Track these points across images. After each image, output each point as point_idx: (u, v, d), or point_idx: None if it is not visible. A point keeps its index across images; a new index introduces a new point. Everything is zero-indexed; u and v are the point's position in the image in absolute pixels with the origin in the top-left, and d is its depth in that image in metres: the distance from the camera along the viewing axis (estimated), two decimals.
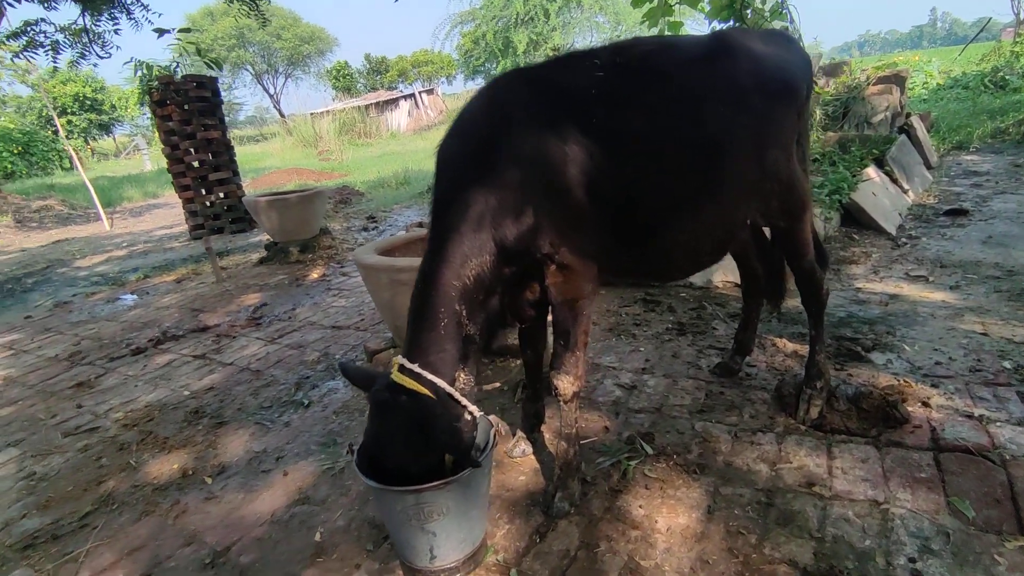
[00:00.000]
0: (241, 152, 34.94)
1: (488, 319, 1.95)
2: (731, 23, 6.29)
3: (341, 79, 53.08)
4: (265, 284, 6.07)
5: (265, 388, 3.49)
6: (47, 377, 4.14)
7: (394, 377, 1.77)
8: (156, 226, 12.39)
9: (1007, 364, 2.71)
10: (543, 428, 2.61)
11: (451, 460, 1.82)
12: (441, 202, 1.80)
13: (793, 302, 3.69)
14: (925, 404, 2.48)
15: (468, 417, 1.87)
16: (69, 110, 42.32)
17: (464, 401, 1.84)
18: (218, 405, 3.33)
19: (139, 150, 38.45)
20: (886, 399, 2.38)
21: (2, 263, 9.91)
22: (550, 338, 2.20)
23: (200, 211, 9.36)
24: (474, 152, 1.78)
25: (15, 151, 32.74)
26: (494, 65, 30.91)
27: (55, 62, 5.73)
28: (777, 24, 6.13)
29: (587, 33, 29.93)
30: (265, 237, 7.67)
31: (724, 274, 4.11)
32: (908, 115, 7.36)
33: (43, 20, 6.09)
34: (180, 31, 8.66)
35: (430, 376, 1.75)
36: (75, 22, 5.85)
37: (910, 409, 2.44)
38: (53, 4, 5.60)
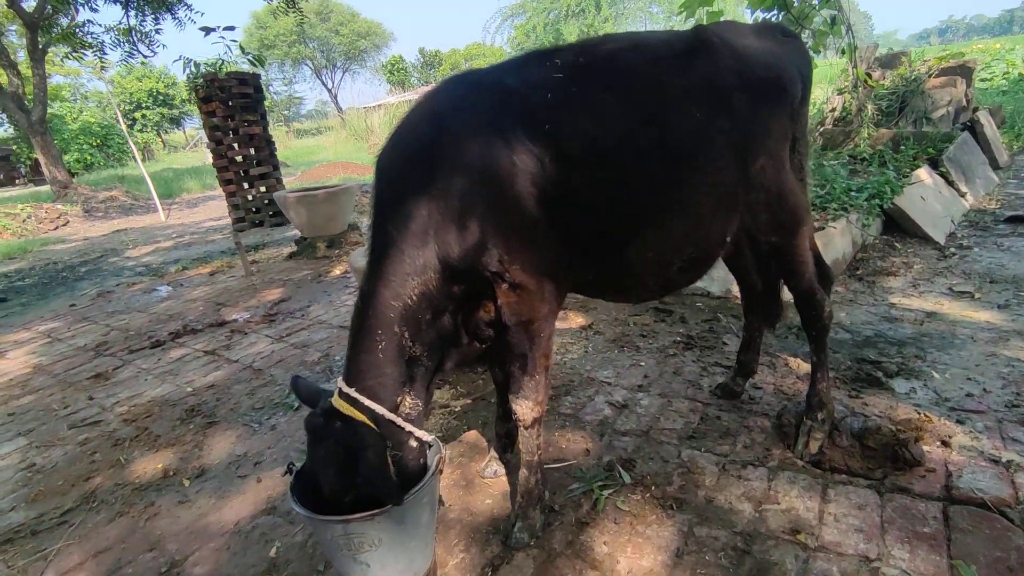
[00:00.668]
0: (298, 145, 36.18)
1: (440, 339, 1.83)
2: (775, 12, 5.92)
3: (395, 73, 53.94)
4: (289, 279, 6.16)
5: (262, 388, 3.50)
6: (71, 367, 4.32)
7: (333, 401, 1.69)
8: (206, 218, 12.91)
9: None
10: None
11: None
12: (379, 216, 1.69)
13: None
14: (944, 443, 2.20)
15: (414, 444, 1.77)
16: (143, 105, 44.89)
17: (408, 427, 1.74)
18: (214, 404, 3.37)
19: (202, 143, 40.31)
20: (897, 436, 2.12)
21: (64, 251, 10.56)
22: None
23: (242, 204, 9.64)
24: (414, 161, 1.66)
25: (94, 144, 35.00)
26: None
27: (102, 60, 6.00)
28: (826, 13, 5.72)
29: (641, 24, 29.17)
30: (297, 232, 7.82)
31: None
32: (975, 109, 6.72)
33: (89, 22, 6.36)
34: (224, 29, 8.95)
35: (367, 401, 1.65)
36: (120, 22, 6.08)
37: (926, 449, 2.17)
38: (93, 5, 5.83)
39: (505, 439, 2.40)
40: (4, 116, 24.36)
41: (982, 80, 13.48)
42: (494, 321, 1.88)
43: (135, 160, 16.36)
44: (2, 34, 17.62)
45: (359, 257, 3.30)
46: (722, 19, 6.33)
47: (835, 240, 3.84)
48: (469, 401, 3.00)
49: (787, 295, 2.30)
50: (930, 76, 6.56)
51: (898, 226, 4.46)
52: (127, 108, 43.00)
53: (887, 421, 2.33)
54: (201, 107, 9.29)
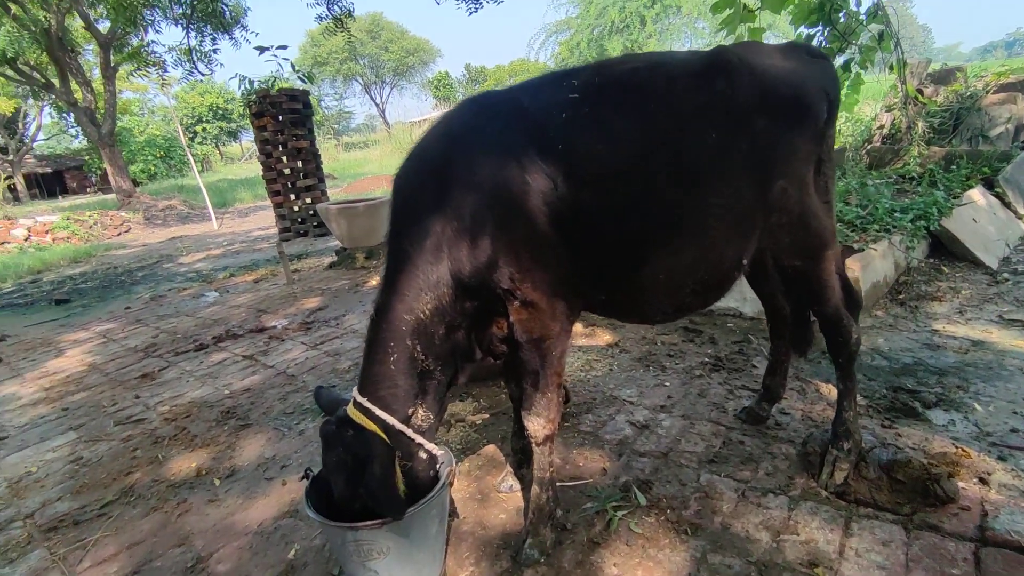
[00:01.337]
0: (346, 158, 37.29)
1: (453, 353, 1.87)
2: (820, 27, 5.81)
3: (441, 89, 55.07)
4: (327, 289, 6.35)
5: (294, 393, 3.62)
6: (122, 367, 4.57)
7: (348, 410, 1.75)
8: (255, 227, 13.46)
9: None
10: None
11: (403, 492, 1.76)
12: (395, 232, 1.75)
13: None
14: (983, 480, 2.09)
15: (423, 455, 1.80)
16: (204, 118, 47.23)
17: (419, 439, 1.78)
18: (248, 407, 3.50)
19: (255, 155, 42.04)
20: (928, 471, 2.03)
21: (124, 256, 11.19)
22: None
23: (288, 215, 10.00)
24: (429, 179, 1.72)
25: (158, 155, 37.04)
26: None
27: (163, 78, 6.45)
28: (875, 28, 5.56)
29: (686, 39, 28.94)
30: (338, 242, 8.06)
31: None
32: None
33: (154, 42, 6.82)
34: (278, 48, 9.37)
35: (379, 412, 1.70)
36: (180, 43, 6.50)
37: (962, 485, 2.06)
38: (157, 27, 6.24)
39: (520, 455, 2.41)
40: (78, 129, 26.08)
41: None
42: (507, 338, 1.90)
43: (193, 171, 17.20)
44: (79, 54, 18.94)
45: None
46: (765, 35, 6.25)
47: (875, 262, 3.70)
48: (490, 415, 3.03)
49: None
50: (987, 92, 6.27)
51: (946, 249, 4.26)
52: (189, 122, 45.33)
53: (920, 454, 2.24)
54: (253, 122, 9.72)
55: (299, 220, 10.09)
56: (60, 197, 34.40)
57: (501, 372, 2.92)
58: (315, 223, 10.11)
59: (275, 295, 6.38)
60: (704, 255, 1.80)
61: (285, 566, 2.12)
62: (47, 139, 41.09)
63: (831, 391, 2.85)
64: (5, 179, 30.21)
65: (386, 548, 1.68)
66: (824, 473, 2.17)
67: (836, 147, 7.13)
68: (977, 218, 4.33)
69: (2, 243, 13.39)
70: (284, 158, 9.80)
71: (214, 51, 6.85)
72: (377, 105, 57.78)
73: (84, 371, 4.59)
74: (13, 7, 14.64)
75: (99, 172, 35.47)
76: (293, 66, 9.51)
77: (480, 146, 1.68)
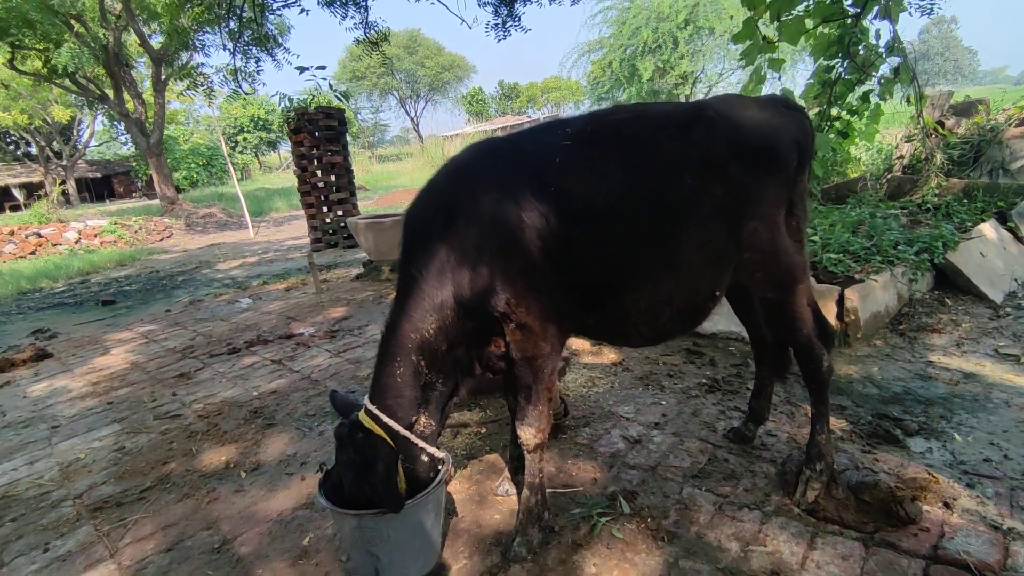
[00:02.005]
0: (379, 170, 38.16)
1: (455, 368, 2.10)
2: (839, 59, 5.95)
3: (475, 104, 56.10)
4: (353, 299, 6.68)
5: (316, 397, 3.89)
6: (161, 366, 4.93)
7: (359, 415, 1.99)
8: (289, 236, 14.00)
9: None
10: None
11: (404, 489, 1.99)
12: (405, 258, 2.00)
13: (843, 369, 3.43)
14: (947, 505, 2.22)
15: (425, 458, 2.03)
16: (245, 129, 49.03)
17: (421, 443, 2.01)
18: (274, 408, 3.79)
19: (292, 167, 43.35)
20: (893, 493, 2.16)
21: (166, 261, 11.79)
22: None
23: (320, 226, 10.44)
24: (436, 214, 1.96)
25: (200, 163, 38.60)
26: (620, 92, 30.96)
27: (211, 98, 6.95)
28: (893, 61, 5.67)
29: (718, 60, 28.98)
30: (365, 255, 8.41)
31: None
32: None
33: (202, 64, 7.33)
34: (317, 68, 9.86)
35: (386, 419, 1.94)
36: (228, 64, 6.99)
37: (927, 508, 2.19)
38: (206, 52, 6.73)
39: (517, 462, 2.61)
40: (128, 137, 27.48)
41: None
42: (504, 355, 2.13)
43: (233, 180, 17.98)
44: (132, 67, 20.06)
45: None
46: (784, 66, 6.39)
47: (876, 293, 3.81)
48: (494, 425, 3.24)
49: None
50: (1009, 125, 6.28)
51: (951, 282, 4.33)
52: (231, 131, 47.10)
53: (891, 478, 2.37)
54: (291, 137, 10.20)
55: (330, 232, 10.52)
56: (108, 201, 36.11)
57: (500, 385, 3.16)
58: (345, 235, 10.53)
59: (304, 303, 6.73)
60: (680, 287, 2.00)
61: (300, 551, 2.36)
62: (98, 145, 43.16)
63: None
64: (60, 184, 31.89)
65: (386, 535, 1.90)
66: (798, 491, 2.32)
67: (854, 176, 7.20)
68: (985, 252, 4.39)
69: (55, 245, 14.22)
70: (319, 172, 10.25)
71: (258, 71, 7.34)
72: (412, 119, 59.11)
73: (127, 369, 4.96)
74: (76, 25, 15.66)
75: (145, 178, 37.16)
76: (331, 85, 9.99)
77: (482, 185, 1.93)
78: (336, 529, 2.36)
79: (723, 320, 4.04)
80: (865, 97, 5.93)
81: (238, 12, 8.32)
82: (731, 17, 23.33)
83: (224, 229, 17.65)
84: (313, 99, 10.25)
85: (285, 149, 56.60)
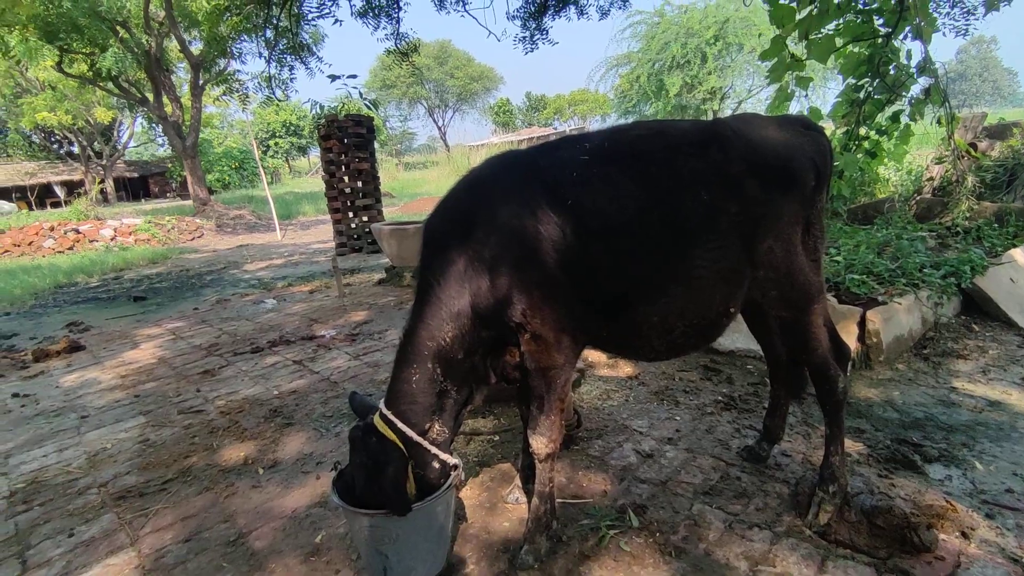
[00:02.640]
0: (405, 177, 38.64)
1: (470, 376, 2.14)
2: (867, 79, 5.89)
3: (501, 115, 56.54)
4: (375, 304, 6.78)
5: (335, 399, 3.97)
6: (187, 362, 5.07)
7: (374, 419, 2.04)
8: (315, 240, 14.26)
9: None
10: None
11: (413, 493, 2.03)
12: (424, 268, 2.05)
13: (863, 392, 3.38)
14: (965, 535, 2.17)
15: (436, 464, 2.07)
16: (277, 133, 50.13)
17: (433, 450, 2.05)
18: (293, 408, 3.87)
19: (320, 172, 44.13)
20: (908, 519, 2.14)
21: (196, 260, 12.10)
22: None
23: (345, 231, 10.66)
24: (454, 225, 2.02)
25: (233, 166, 39.56)
26: (647, 106, 30.94)
27: (245, 103, 7.18)
28: (924, 82, 5.60)
29: (748, 77, 28.80)
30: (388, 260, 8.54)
31: None
32: None
33: (238, 71, 7.58)
34: (348, 76, 10.10)
35: (400, 424, 1.99)
36: (263, 71, 7.21)
37: (943, 537, 2.15)
38: (242, 60, 6.94)
39: (528, 471, 2.64)
40: (165, 139, 28.38)
41: None
42: (519, 365, 2.17)
43: (263, 183, 18.39)
44: (172, 72, 20.74)
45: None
46: (812, 84, 6.33)
47: (899, 316, 3.75)
48: (507, 433, 3.26)
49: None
50: None
51: (979, 308, 4.24)
52: (263, 136, 48.19)
53: (906, 503, 2.34)
54: (321, 143, 10.47)
55: (355, 237, 10.73)
56: (143, 200, 37.22)
57: (515, 394, 3.18)
58: (369, 240, 10.72)
59: (327, 306, 6.86)
60: (693, 302, 2.02)
61: (312, 548, 2.41)
62: (136, 146, 44.57)
63: None
64: (99, 182, 33.00)
65: (395, 536, 1.94)
66: (810, 513, 2.30)
67: (883, 197, 7.09)
68: (1016, 278, 4.29)
69: (92, 241, 14.71)
70: (346, 178, 10.49)
71: (291, 79, 7.58)
72: (439, 128, 59.84)
73: (155, 363, 5.11)
74: (121, 31, 16.28)
75: (179, 179, 38.19)
76: (361, 94, 10.21)
77: (500, 198, 1.97)
78: (348, 528, 2.41)
79: (741, 338, 4.01)
80: (895, 117, 5.85)
81: (274, 21, 8.59)
82: (760, 35, 23.24)
83: (253, 231, 18.05)
84: (343, 107, 10.49)
85: (315, 154, 57.62)
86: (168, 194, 40.98)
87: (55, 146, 37.30)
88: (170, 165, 39.46)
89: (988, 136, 6.67)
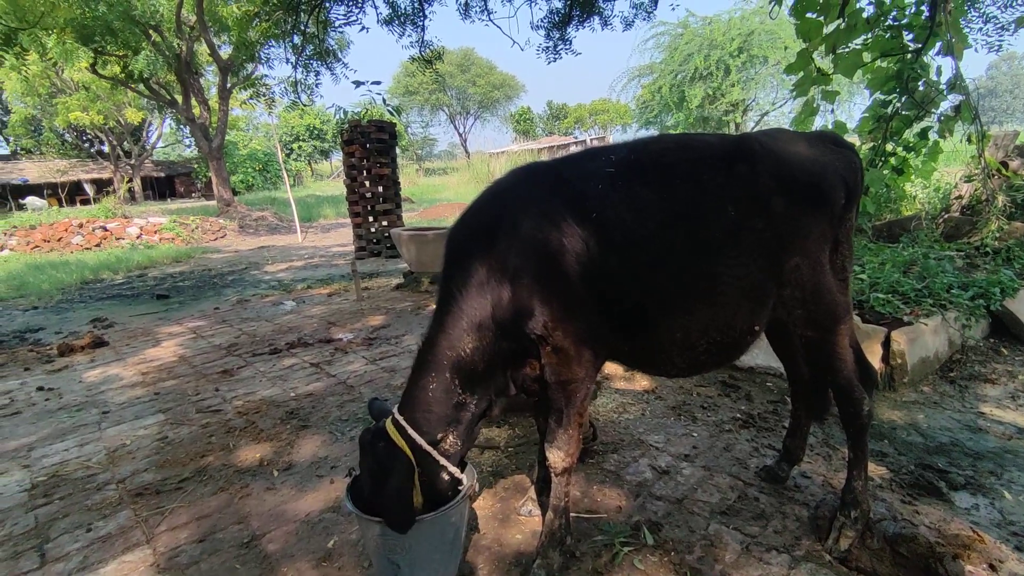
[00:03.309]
0: (425, 183, 38.94)
1: (489, 388, 2.13)
2: (896, 95, 5.80)
3: (522, 123, 56.77)
4: (392, 308, 6.81)
5: (350, 403, 3.98)
6: (207, 361, 5.13)
7: (386, 424, 2.04)
8: (335, 243, 14.40)
9: None
10: None
11: (420, 503, 2.01)
12: (447, 277, 2.05)
13: (886, 414, 3.31)
14: (992, 567, 2.10)
15: (445, 477, 2.06)
16: (301, 137, 50.91)
17: (443, 461, 2.03)
18: (310, 410, 3.89)
19: (342, 176, 44.64)
20: (933, 549, 2.07)
21: (218, 260, 12.29)
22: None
23: (364, 235, 10.75)
24: (478, 235, 2.01)
25: (256, 168, 40.22)
26: (668, 117, 30.84)
27: (271, 107, 7.32)
28: (954, 98, 5.50)
29: (771, 90, 28.57)
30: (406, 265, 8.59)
31: None
32: None
33: (266, 76, 7.73)
34: (372, 83, 10.22)
35: (411, 431, 1.98)
36: (290, 76, 7.34)
37: (971, 569, 2.08)
38: (270, 65, 7.05)
39: (543, 483, 2.61)
40: (191, 140, 29.00)
41: None
42: (539, 377, 2.15)
43: (286, 186, 18.66)
44: (201, 75, 21.19)
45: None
46: (838, 99, 6.27)
47: (924, 337, 3.67)
48: (522, 444, 3.25)
49: None
50: None
51: (1009, 331, 4.12)
52: (287, 139, 48.96)
53: (931, 532, 2.26)
54: (343, 148, 10.60)
55: (374, 241, 10.81)
56: (169, 200, 37.96)
57: (532, 406, 3.16)
58: (388, 245, 10.79)
59: (345, 310, 6.91)
60: (717, 319, 1.99)
61: (324, 553, 2.41)
62: (164, 147, 45.53)
63: None
64: (127, 181, 33.77)
65: (407, 545, 1.93)
66: (830, 538, 2.25)
67: (908, 214, 6.96)
68: None
69: (118, 239, 15.03)
70: (367, 183, 10.58)
71: (317, 84, 7.69)
72: (460, 135, 60.25)
73: (175, 362, 5.19)
74: (153, 34, 16.69)
75: (204, 180, 38.95)
76: (384, 100, 10.33)
77: (524, 210, 1.97)
78: (360, 535, 2.41)
79: (761, 355, 3.95)
80: (923, 134, 5.75)
81: (302, 28, 8.74)
82: (786, 48, 23.04)
83: (274, 232, 18.29)
84: (367, 112, 10.60)
85: (337, 159, 58.37)
86: (193, 194, 41.76)
87: (86, 145, 38.28)
88: (196, 166, 40.28)
89: (1020, 155, 6.51)
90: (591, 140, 40.88)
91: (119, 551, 2.50)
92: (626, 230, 1.92)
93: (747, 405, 3.60)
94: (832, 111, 6.13)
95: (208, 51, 18.78)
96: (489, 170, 32.76)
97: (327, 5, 8.27)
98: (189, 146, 43.38)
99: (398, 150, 11.09)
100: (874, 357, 3.49)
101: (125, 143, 35.77)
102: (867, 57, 5.47)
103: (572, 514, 2.42)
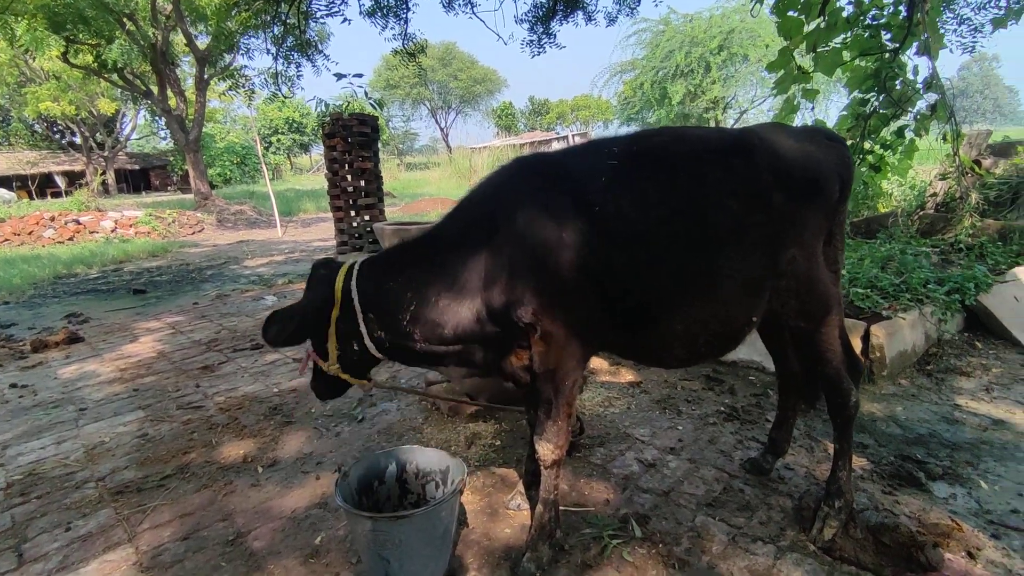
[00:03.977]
0: (406, 177, 38.67)
1: (452, 356, 2.20)
2: (873, 93, 5.89)
3: (504, 118, 56.65)
4: None
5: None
6: (186, 357, 5.04)
7: (345, 264, 2.24)
8: (316, 237, 14.23)
9: None
10: None
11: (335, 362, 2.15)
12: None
13: (866, 407, 3.37)
14: (970, 555, 2.16)
15: (357, 348, 2.20)
16: (280, 130, 50.16)
17: (363, 330, 2.15)
18: (293, 406, 3.85)
19: (323, 169, 44.13)
20: (914, 538, 2.12)
21: (196, 254, 12.07)
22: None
23: (346, 229, 10.62)
24: (476, 224, 2.02)
25: (234, 161, 39.54)
26: (650, 113, 31.04)
27: (251, 99, 7.21)
28: (930, 98, 5.61)
29: (751, 87, 28.91)
30: None
31: None
32: None
33: (245, 67, 7.59)
34: (354, 75, 10.09)
35: (354, 284, 2.14)
36: (270, 68, 7.23)
37: (948, 556, 2.14)
38: (250, 55, 6.93)
39: (532, 476, 2.62)
40: (167, 132, 28.38)
41: None
42: (529, 368, 2.15)
43: (265, 179, 18.36)
44: (177, 66, 20.72)
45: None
46: (818, 97, 6.36)
47: (903, 331, 3.75)
48: (509, 438, 3.25)
49: None
50: None
51: (983, 325, 4.24)
52: (265, 132, 48.19)
53: (913, 522, 2.33)
54: (325, 141, 10.44)
55: (356, 236, 10.69)
56: (144, 193, 37.18)
57: (522, 398, 3.17)
58: (370, 239, 10.68)
59: None
60: (718, 311, 2.01)
61: (312, 550, 2.39)
62: (138, 139, 44.53)
63: None
64: (100, 174, 32.94)
65: (398, 540, 1.92)
66: (815, 528, 2.28)
67: (885, 211, 7.10)
68: (1020, 297, 4.28)
69: (92, 232, 14.66)
70: (349, 177, 10.45)
71: (298, 76, 7.57)
72: (441, 129, 59.92)
73: (154, 357, 5.08)
74: (128, 23, 16.27)
75: (180, 173, 38.17)
76: (366, 93, 10.21)
77: (523, 202, 1.97)
78: (349, 530, 2.39)
79: (744, 348, 3.99)
80: (900, 132, 5.86)
81: (283, 18, 8.59)
82: (767, 46, 23.32)
83: (253, 226, 18.00)
84: (348, 105, 10.47)
85: (317, 152, 57.67)
86: (169, 187, 40.92)
87: (57, 136, 37.26)
88: (172, 158, 39.43)
89: (992, 154, 6.69)
90: (573, 136, 40.94)
91: (100, 550, 2.44)
92: (630, 224, 1.93)
93: (731, 398, 3.64)
94: (812, 109, 6.21)
95: (184, 41, 18.38)
96: (471, 165, 32.65)
97: None
98: (164, 138, 42.50)
99: (379, 144, 10.98)
100: None
101: (98, 134, 34.89)
102: (846, 56, 5.54)
103: (561, 507, 2.43)
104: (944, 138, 5.80)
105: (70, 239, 14.28)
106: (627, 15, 8.52)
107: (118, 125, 36.75)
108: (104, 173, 34.56)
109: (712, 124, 28.92)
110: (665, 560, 2.22)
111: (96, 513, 2.71)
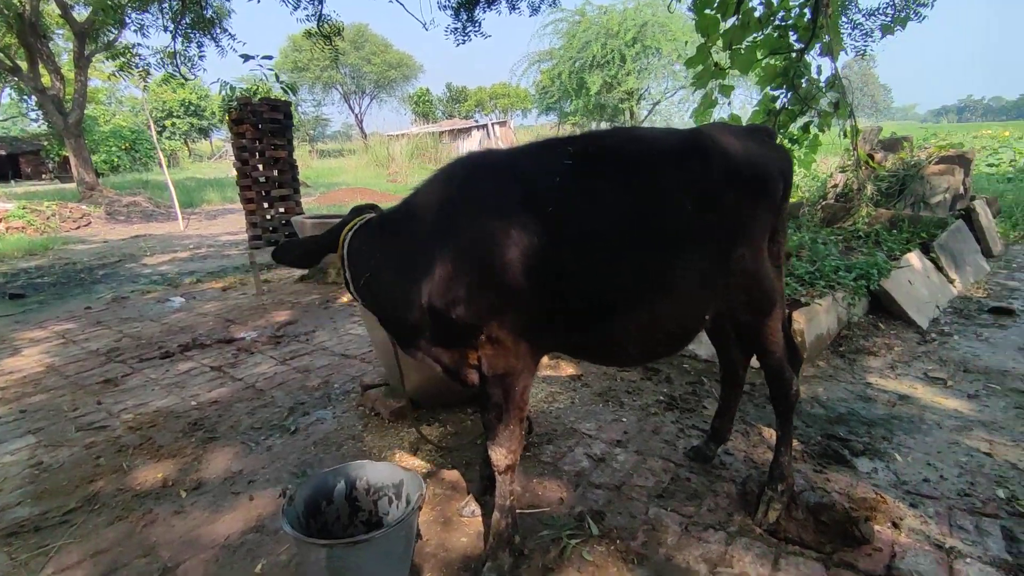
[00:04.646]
0: (320, 166, 37.03)
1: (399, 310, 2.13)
2: (783, 90, 6.23)
3: (421, 104, 55.47)
4: (298, 302, 6.39)
5: (262, 408, 3.67)
6: (82, 370, 4.52)
7: (365, 217, 2.24)
8: (224, 231, 13.27)
9: (1001, 493, 2.51)
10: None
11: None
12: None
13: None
14: (895, 525, 2.34)
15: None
16: (175, 113, 46.28)
17: (347, 275, 2.23)
18: (216, 419, 3.54)
19: (228, 156, 41.28)
20: (849, 514, 2.27)
21: (84, 252, 10.89)
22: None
23: (260, 223, 9.95)
24: (422, 219, 1.91)
25: (123, 147, 36.07)
26: (567, 103, 31.46)
27: (146, 81, 6.51)
28: (832, 96, 6.03)
29: (663, 79, 30.00)
30: None
31: None
32: (972, 198, 6.97)
33: (138, 44, 6.87)
34: (263, 57, 9.43)
35: (346, 244, 2.16)
36: (167, 46, 6.59)
37: (877, 528, 2.30)
38: (145, 32, 6.28)
39: (486, 481, 2.56)
40: (39, 113, 25.37)
41: (988, 165, 13.83)
42: (478, 368, 2.08)
43: (161, 167, 16.86)
44: (50, 39, 18.48)
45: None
46: (734, 92, 6.68)
47: (820, 316, 4.02)
48: (455, 442, 3.16)
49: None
50: (929, 162, 6.84)
51: (884, 307, 4.64)
52: (159, 115, 44.30)
53: (844, 498, 2.49)
54: (232, 128, 9.68)
55: (271, 229, 10.03)
56: (13, 182, 33.04)
57: (468, 399, 3.10)
58: (287, 233, 10.08)
59: (244, 305, 6.38)
60: (672, 310, 2.02)
61: None
62: (3, 120, 39.55)
63: (772, 435, 3.10)
64: None
65: (356, 566, 1.80)
66: (760, 512, 2.39)
67: (793, 201, 7.61)
68: (912, 280, 4.72)
69: None
70: (260, 166, 9.76)
71: (200, 57, 6.94)
72: (355, 115, 57.74)
73: (42, 372, 4.52)
74: None
75: (57, 159, 34.32)
76: (278, 77, 9.58)
77: (474, 201, 1.88)
78: (298, 559, 2.22)
79: None
80: (806, 127, 6.27)
81: None
82: (686, 42, 24.27)
83: (150, 220, 16.50)
84: (256, 88, 9.79)
85: (218, 137, 53.87)
86: (44, 175, 36.64)
87: None
88: (46, 143, 35.30)
89: (883, 148, 7.33)
90: (492, 124, 40.80)
91: None
92: (582, 225, 1.89)
93: (668, 387, 3.75)
94: (728, 104, 6.50)
95: (59, 12, 16.41)
96: (388, 153, 31.73)
97: None
98: (36, 120, 37.90)
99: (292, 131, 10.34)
100: None
101: None
102: (759, 54, 5.83)
103: (517, 510, 2.39)
104: (844, 133, 6.28)
105: None
106: (550, 4, 8.52)
107: None
108: None
109: (627, 115, 29.83)
110: (624, 556, 2.24)
111: None
